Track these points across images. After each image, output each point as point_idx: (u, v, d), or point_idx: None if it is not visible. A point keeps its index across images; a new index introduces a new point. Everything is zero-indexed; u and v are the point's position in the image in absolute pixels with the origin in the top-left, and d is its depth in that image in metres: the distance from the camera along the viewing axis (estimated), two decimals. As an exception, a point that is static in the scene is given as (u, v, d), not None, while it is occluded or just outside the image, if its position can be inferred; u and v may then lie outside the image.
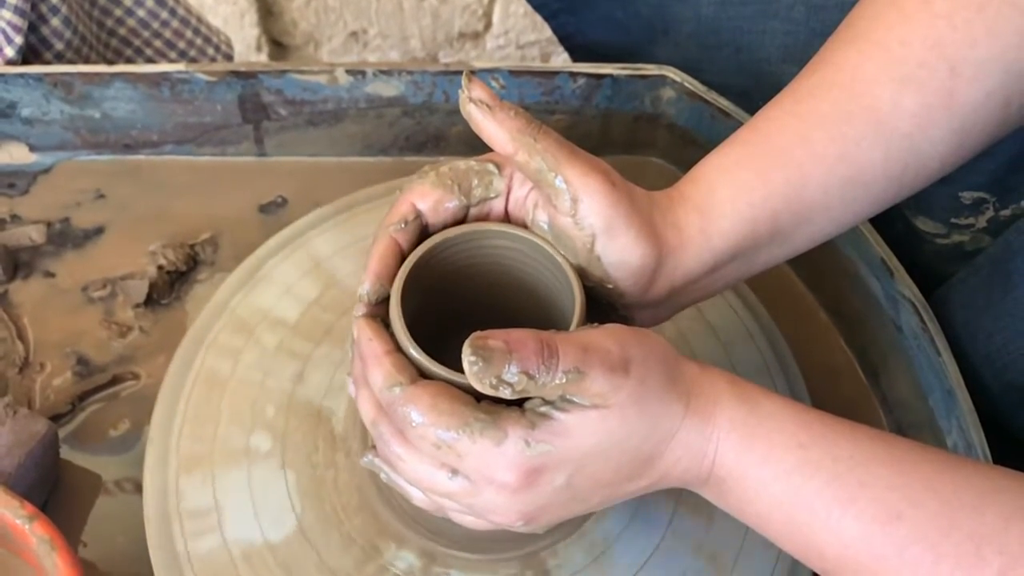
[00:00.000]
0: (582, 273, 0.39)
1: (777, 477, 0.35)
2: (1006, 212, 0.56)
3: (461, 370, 0.35)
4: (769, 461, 0.35)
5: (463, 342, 0.33)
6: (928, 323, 0.51)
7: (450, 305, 0.42)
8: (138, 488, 0.49)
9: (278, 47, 1.23)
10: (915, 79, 0.40)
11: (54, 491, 0.49)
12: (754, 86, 0.59)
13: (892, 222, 0.57)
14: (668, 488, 0.38)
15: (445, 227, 0.41)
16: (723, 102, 0.58)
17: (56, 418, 0.51)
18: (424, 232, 0.41)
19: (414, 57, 1.23)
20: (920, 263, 0.57)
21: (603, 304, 0.41)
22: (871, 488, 0.34)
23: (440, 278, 0.41)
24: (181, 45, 0.71)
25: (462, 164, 0.40)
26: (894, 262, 0.53)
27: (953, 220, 0.57)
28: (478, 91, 0.37)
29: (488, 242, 0.41)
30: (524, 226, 0.41)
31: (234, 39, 1.05)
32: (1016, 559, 0.32)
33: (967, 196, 0.56)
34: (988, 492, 0.34)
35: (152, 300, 0.56)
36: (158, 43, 0.70)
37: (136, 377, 0.54)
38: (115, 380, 0.53)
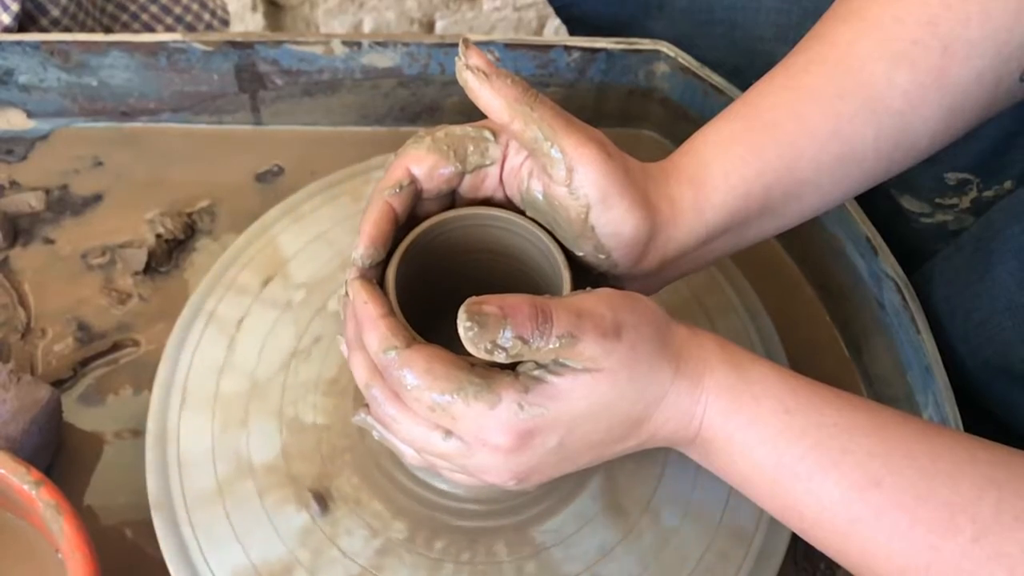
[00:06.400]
0: (575, 244, 0.40)
1: (762, 441, 0.36)
2: (989, 193, 0.57)
3: (451, 348, 0.36)
4: (755, 425, 0.36)
5: (453, 321, 0.34)
6: (909, 301, 0.52)
7: (441, 286, 0.42)
8: (135, 434, 0.50)
9: (273, 6, 1.22)
10: (908, 56, 0.41)
11: (57, 454, 0.50)
12: (747, 64, 0.59)
13: (878, 201, 0.58)
14: (655, 447, 0.39)
15: (439, 192, 0.41)
16: (716, 78, 0.59)
17: (58, 383, 0.52)
18: (418, 197, 0.41)
19: (410, 18, 1.22)
20: (904, 241, 0.58)
21: (595, 274, 0.41)
22: (853, 455, 0.35)
23: (432, 260, 0.41)
24: (177, 11, 0.71)
25: (458, 130, 0.40)
26: (879, 241, 0.54)
27: (938, 200, 0.58)
28: (475, 58, 0.37)
29: (479, 224, 0.41)
30: (518, 195, 0.41)
31: (229, -2, 1.04)
32: (988, 527, 0.33)
33: (952, 177, 0.57)
34: (964, 462, 0.35)
35: (151, 268, 0.57)
36: (154, 8, 0.70)
37: (136, 344, 0.54)
38: (115, 347, 0.54)
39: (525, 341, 0.34)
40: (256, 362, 0.49)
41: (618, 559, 0.44)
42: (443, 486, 0.45)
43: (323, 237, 0.54)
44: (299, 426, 0.47)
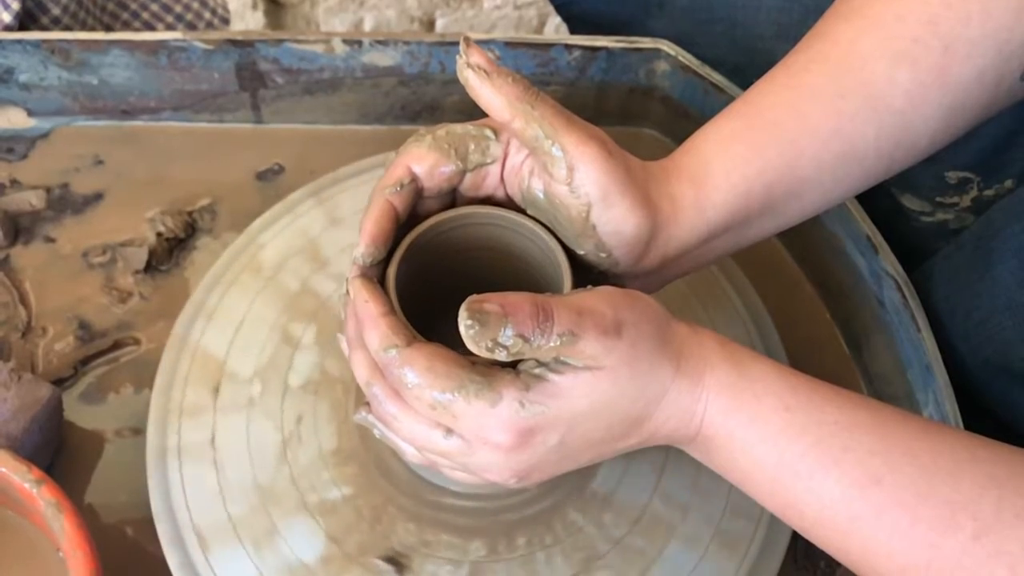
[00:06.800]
0: (576, 242, 0.40)
1: (763, 439, 0.36)
2: (990, 192, 0.57)
3: (452, 347, 0.36)
4: (756, 423, 0.36)
5: (454, 320, 0.34)
6: (909, 300, 0.52)
7: (442, 285, 0.42)
8: (136, 432, 0.50)
9: (274, 4, 1.22)
10: (909, 55, 0.41)
11: (58, 453, 0.50)
12: (748, 62, 0.59)
13: (878, 199, 0.58)
14: (656, 445, 0.39)
15: (440, 191, 0.41)
16: (716, 77, 0.59)
17: (59, 382, 0.52)
18: (419, 195, 0.41)
19: (411, 17, 1.22)
20: (904, 240, 0.58)
21: (596, 273, 0.41)
22: (853, 453, 0.35)
23: (432, 259, 0.41)
24: (177, 9, 0.71)
25: (459, 128, 0.40)
26: (879, 239, 0.54)
27: (938, 199, 0.58)
28: (476, 57, 0.37)
29: (480, 223, 0.41)
30: (519, 194, 0.41)
31: (230, -5, 1.04)
32: (989, 525, 0.33)
33: (952, 175, 0.57)
34: (964, 460, 0.35)
35: (151, 267, 0.57)
36: (155, 6, 0.70)
37: (136, 342, 0.54)
38: (116, 345, 0.54)
39: (526, 339, 0.34)
40: (251, 470, 0.46)
41: (676, 472, 0.45)
42: (490, 490, 0.45)
43: (246, 322, 0.51)
44: (330, 506, 0.46)
